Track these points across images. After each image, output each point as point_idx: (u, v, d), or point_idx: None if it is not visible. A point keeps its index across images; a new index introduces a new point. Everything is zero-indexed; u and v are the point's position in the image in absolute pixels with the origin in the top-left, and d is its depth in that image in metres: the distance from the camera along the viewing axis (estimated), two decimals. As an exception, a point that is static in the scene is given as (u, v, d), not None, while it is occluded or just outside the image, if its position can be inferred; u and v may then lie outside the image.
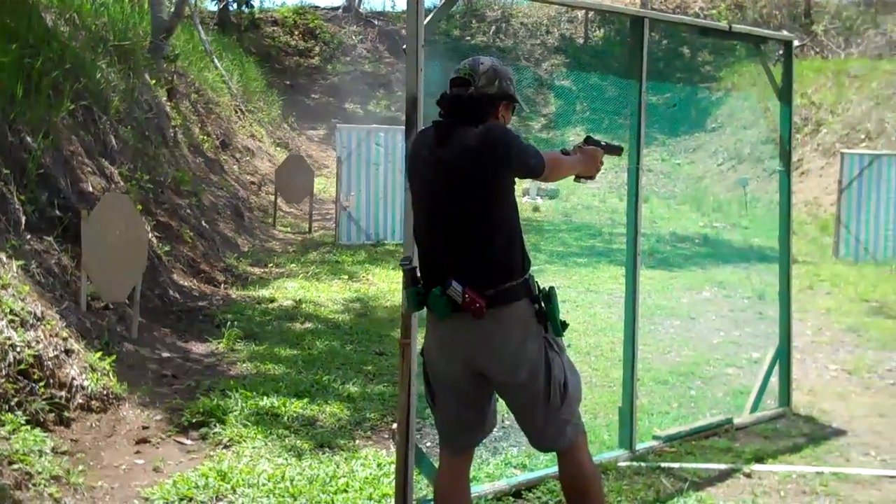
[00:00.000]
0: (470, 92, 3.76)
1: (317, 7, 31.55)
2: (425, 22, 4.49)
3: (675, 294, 11.11)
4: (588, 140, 4.35)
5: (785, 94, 6.83)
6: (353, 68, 28.62)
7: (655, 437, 5.91)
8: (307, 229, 15.38)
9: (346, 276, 11.43)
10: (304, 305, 9.71)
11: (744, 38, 7.02)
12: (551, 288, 3.80)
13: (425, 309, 3.79)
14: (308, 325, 8.96)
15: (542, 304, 3.76)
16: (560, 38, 30.51)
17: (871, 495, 5.21)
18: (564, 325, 3.81)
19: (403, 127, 4.56)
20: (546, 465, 5.30)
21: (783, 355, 6.81)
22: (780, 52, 7.18)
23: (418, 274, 3.84)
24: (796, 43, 26.34)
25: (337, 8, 31.41)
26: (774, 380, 6.83)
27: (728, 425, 6.26)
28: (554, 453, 4.07)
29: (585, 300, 10.42)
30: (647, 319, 9.53)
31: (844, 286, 11.94)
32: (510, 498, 5.00)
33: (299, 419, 6.13)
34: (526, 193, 19.30)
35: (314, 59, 28.94)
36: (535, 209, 18.04)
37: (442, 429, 4.02)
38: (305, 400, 6.50)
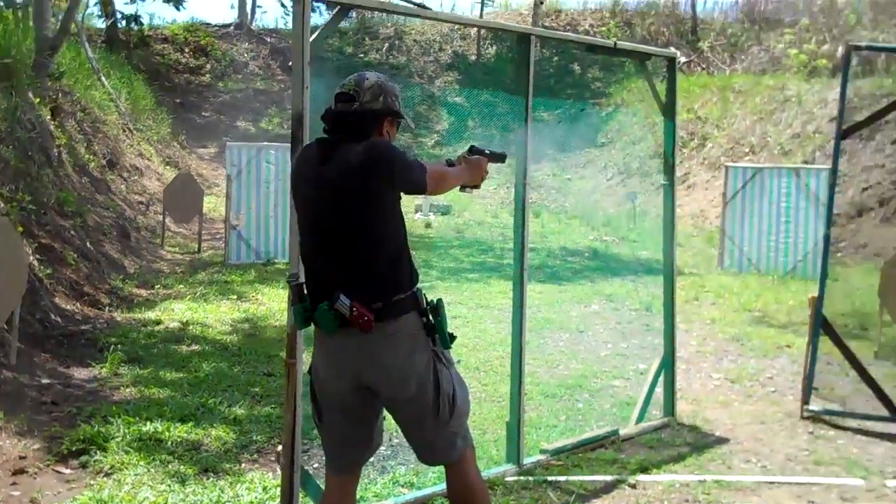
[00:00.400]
0: (354, 108, 3.73)
1: (208, 24, 31.17)
2: (311, 39, 4.47)
3: (564, 308, 11.22)
4: (472, 149, 4.32)
5: (669, 109, 6.97)
6: (244, 86, 28.36)
7: (543, 451, 5.95)
8: (196, 249, 15.14)
9: (235, 296, 11.29)
10: (191, 327, 9.56)
11: (629, 55, 7.12)
12: (439, 300, 3.79)
13: (312, 326, 3.75)
14: (195, 347, 8.81)
15: (430, 317, 3.75)
16: (453, 54, 30.70)
17: (752, 501, 5.33)
18: (452, 337, 3.80)
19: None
20: (434, 482, 5.30)
21: (667, 366, 6.93)
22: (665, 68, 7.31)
23: (305, 291, 3.79)
24: (683, 59, 26.92)
25: (228, 25, 31.10)
26: (660, 390, 6.95)
27: (614, 436, 6.33)
28: (442, 471, 4.06)
29: (476, 316, 10.47)
30: (537, 334, 9.63)
31: (729, 296, 12.23)
32: (397, 517, 4.98)
33: (183, 444, 6.01)
34: (418, 210, 19.33)
35: (205, 76, 28.59)
36: (428, 225, 18.08)
37: (328, 447, 3.97)
38: (190, 424, 6.38)
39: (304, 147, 4.07)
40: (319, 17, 15.57)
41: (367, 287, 3.62)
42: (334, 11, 4.81)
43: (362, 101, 3.74)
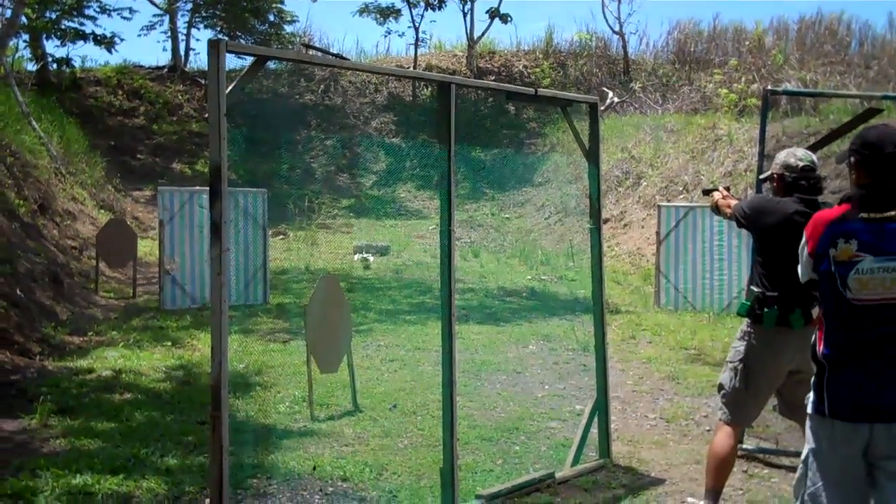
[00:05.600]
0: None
1: (141, 66, 30.94)
2: (227, 91, 4.46)
3: (502, 348, 11.23)
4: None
5: (592, 154, 7.04)
6: (179, 128, 28.18)
7: (478, 497, 5.92)
8: (131, 294, 14.96)
9: (170, 343, 11.16)
10: (124, 375, 9.41)
11: (550, 102, 7.20)
12: None
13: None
14: (127, 395, 8.68)
15: None
16: (389, 96, 30.79)
17: (686, 543, 5.35)
18: None
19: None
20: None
21: (601, 407, 6.95)
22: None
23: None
24: (616, 99, 27.27)
25: (162, 67, 30.89)
26: (595, 431, 6.97)
27: (550, 480, 6.33)
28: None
29: (413, 358, 10.43)
30: (474, 376, 9.64)
31: (665, 335, 12.33)
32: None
33: (114, 497, 5.90)
34: (357, 251, 19.30)
35: (139, 118, 28.33)
36: (366, 267, 18.03)
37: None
38: (121, 476, 6.26)
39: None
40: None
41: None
42: (250, 63, 4.82)
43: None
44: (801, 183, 5.37)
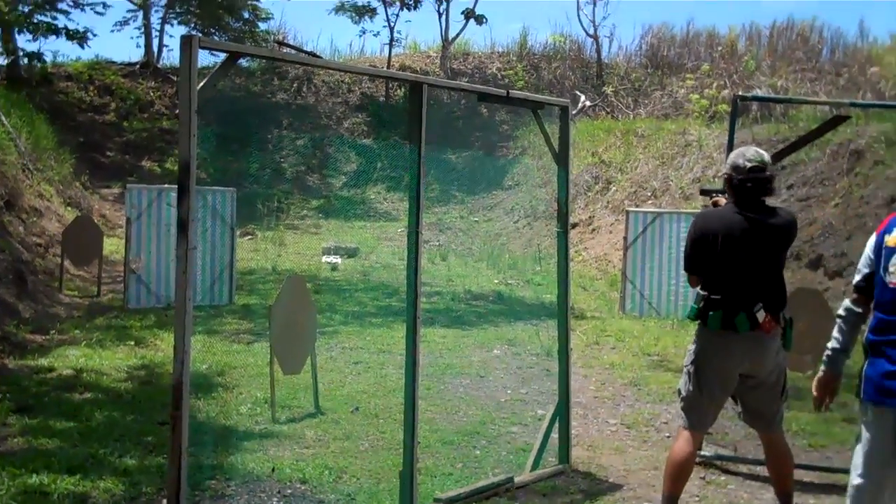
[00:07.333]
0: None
1: (113, 62, 30.70)
2: (199, 87, 4.45)
3: (466, 352, 11.23)
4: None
5: (562, 158, 7.07)
6: (150, 125, 27.98)
7: (436, 500, 5.93)
8: (96, 293, 14.85)
9: (133, 342, 11.10)
10: (85, 374, 9.35)
11: (522, 104, 7.21)
12: (791, 317, 5.47)
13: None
14: (88, 395, 8.62)
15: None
16: (362, 96, 30.73)
17: (641, 549, 5.38)
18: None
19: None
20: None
21: (562, 412, 6.98)
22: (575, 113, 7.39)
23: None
24: (588, 103, 27.35)
25: (134, 63, 30.67)
26: (556, 437, 7.00)
27: (509, 484, 6.35)
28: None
29: (377, 361, 10.41)
30: (438, 379, 9.64)
31: (629, 340, 12.37)
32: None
33: (70, 497, 5.87)
34: (326, 252, 19.24)
35: (110, 115, 28.11)
36: (334, 268, 17.99)
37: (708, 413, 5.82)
38: (78, 476, 6.23)
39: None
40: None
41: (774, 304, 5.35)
42: (223, 59, 4.80)
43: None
44: (748, 185, 5.37)
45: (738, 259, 5.30)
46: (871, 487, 4.28)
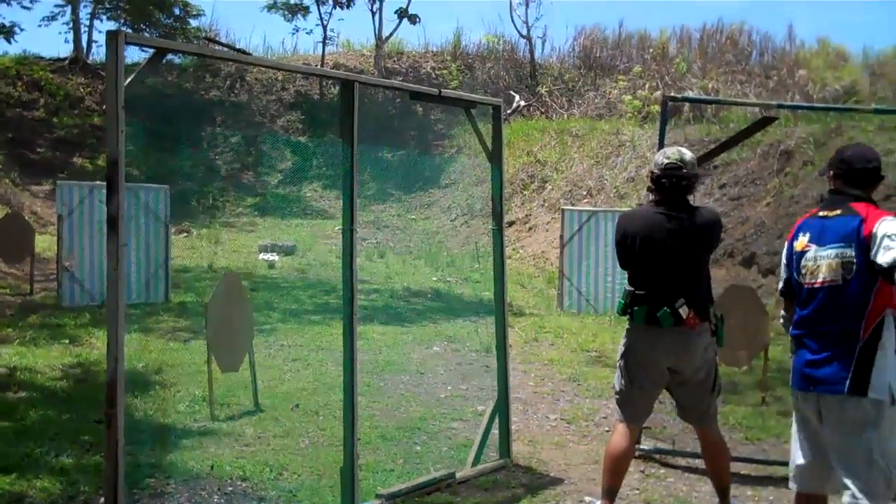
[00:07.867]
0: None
1: (41, 57, 30.12)
2: (126, 83, 4.40)
3: (406, 349, 11.24)
4: None
5: (495, 156, 7.09)
6: (80, 121, 27.53)
7: (378, 496, 5.93)
8: (28, 291, 14.61)
9: (67, 340, 10.94)
10: (19, 373, 9.20)
11: (454, 103, 7.22)
12: (722, 315, 5.60)
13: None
14: (22, 393, 8.48)
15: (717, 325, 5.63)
16: (296, 94, 30.54)
17: (583, 541, 5.43)
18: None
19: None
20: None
21: (502, 408, 7.01)
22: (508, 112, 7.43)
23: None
24: (522, 103, 27.47)
25: (63, 59, 30.14)
26: (497, 432, 7.03)
27: (450, 480, 6.37)
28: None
29: (316, 358, 10.37)
30: (378, 376, 9.64)
31: (567, 337, 12.47)
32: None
33: (6, 496, 5.77)
34: (263, 250, 19.12)
35: (39, 111, 27.60)
36: (271, 266, 17.88)
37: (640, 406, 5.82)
38: (14, 475, 6.13)
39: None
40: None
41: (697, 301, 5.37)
42: (150, 55, 4.76)
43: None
44: (663, 181, 5.45)
45: (658, 257, 5.39)
46: (811, 466, 4.70)
